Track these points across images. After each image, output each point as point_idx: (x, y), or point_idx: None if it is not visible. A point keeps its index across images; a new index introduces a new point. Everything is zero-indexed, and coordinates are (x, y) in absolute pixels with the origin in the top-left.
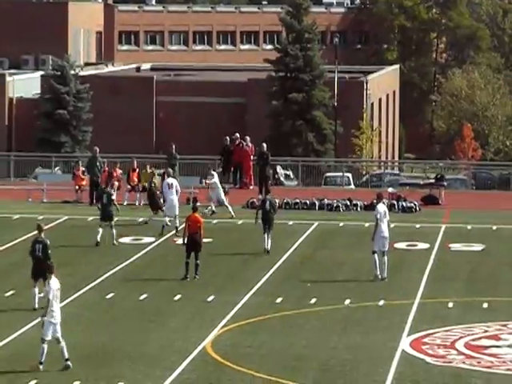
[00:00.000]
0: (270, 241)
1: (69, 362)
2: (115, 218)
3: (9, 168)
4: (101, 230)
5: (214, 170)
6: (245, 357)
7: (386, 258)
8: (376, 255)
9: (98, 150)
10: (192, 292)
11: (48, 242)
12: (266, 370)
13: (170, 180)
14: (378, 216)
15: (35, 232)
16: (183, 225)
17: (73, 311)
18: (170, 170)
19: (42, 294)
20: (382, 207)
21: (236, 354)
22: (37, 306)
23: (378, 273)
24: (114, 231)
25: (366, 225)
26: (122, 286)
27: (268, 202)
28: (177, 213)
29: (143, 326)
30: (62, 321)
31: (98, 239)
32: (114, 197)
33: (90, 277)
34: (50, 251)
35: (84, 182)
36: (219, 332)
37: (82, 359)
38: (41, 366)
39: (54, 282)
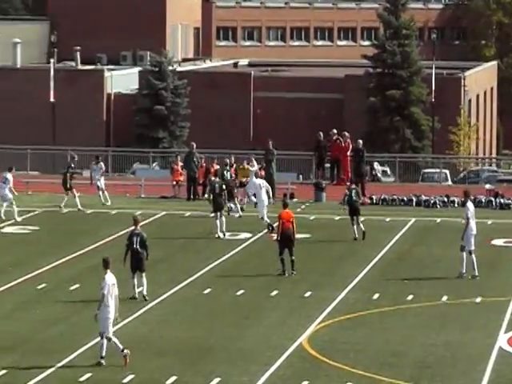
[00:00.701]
0: (360, 226)
1: (103, 361)
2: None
3: (107, 163)
4: (218, 222)
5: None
6: (341, 353)
7: (473, 256)
8: (465, 253)
9: (194, 146)
10: (289, 288)
11: (145, 235)
12: (362, 366)
13: (259, 181)
14: (470, 214)
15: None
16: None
17: (170, 306)
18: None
19: (140, 289)
20: (471, 205)
21: (332, 349)
22: (137, 295)
23: (464, 271)
24: (224, 220)
25: (463, 221)
26: (218, 281)
27: (354, 192)
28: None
29: (240, 322)
30: (159, 316)
31: (218, 232)
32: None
33: (186, 272)
34: (147, 243)
35: (182, 178)
36: (316, 328)
37: (178, 354)
38: (103, 361)
39: (110, 277)
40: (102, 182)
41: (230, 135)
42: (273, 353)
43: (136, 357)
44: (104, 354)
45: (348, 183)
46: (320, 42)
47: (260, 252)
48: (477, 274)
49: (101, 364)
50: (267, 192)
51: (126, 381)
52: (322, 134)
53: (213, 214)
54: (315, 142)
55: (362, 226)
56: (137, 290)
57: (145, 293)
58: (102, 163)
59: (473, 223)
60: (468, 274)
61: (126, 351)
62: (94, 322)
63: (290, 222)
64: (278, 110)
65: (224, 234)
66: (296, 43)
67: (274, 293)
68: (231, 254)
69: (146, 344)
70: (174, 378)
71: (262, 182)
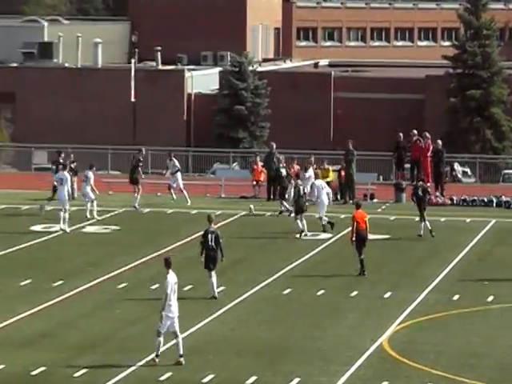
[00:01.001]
0: (427, 223)
1: (182, 359)
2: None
3: (187, 163)
4: (299, 222)
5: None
6: (421, 354)
7: None
8: None
9: (274, 146)
10: (368, 288)
11: (219, 233)
12: (442, 367)
13: (319, 182)
14: None
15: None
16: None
17: (250, 306)
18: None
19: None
20: None
21: (412, 350)
22: (216, 295)
23: None
24: (305, 222)
25: None
26: (298, 281)
27: (421, 189)
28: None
29: (320, 322)
30: (239, 316)
31: (301, 232)
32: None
33: (267, 272)
34: (221, 241)
35: (262, 178)
36: (396, 328)
37: (259, 354)
38: (157, 359)
39: (172, 276)
40: (178, 181)
41: (310, 136)
42: (353, 353)
43: (216, 356)
44: (159, 353)
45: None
46: (400, 43)
47: (340, 252)
48: None
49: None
50: (327, 194)
51: (205, 380)
52: (401, 134)
53: (293, 215)
54: (395, 142)
55: (428, 223)
56: (216, 290)
57: (215, 294)
58: (175, 160)
59: None
60: None
61: (182, 359)
62: None
63: (365, 221)
64: (358, 110)
65: (306, 235)
66: (376, 43)
67: (354, 293)
68: (311, 254)
69: (226, 344)
70: (253, 378)
71: (323, 184)
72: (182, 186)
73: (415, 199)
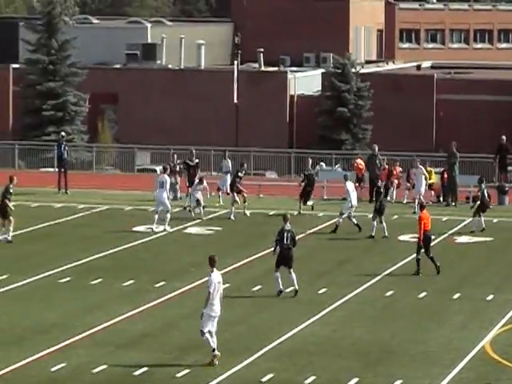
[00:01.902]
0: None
1: (217, 352)
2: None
3: (289, 165)
4: (374, 223)
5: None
6: None
7: None
8: None
9: (376, 148)
10: (471, 291)
11: (294, 231)
12: None
13: (350, 184)
14: None
15: (315, 229)
16: None
17: (353, 307)
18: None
19: (291, 288)
20: None
21: None
22: (282, 289)
23: None
24: (384, 225)
25: None
26: (401, 283)
27: (486, 190)
28: None
29: (422, 325)
30: (342, 317)
31: (373, 233)
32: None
33: (370, 274)
34: (296, 238)
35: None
36: (499, 331)
37: (361, 356)
38: (216, 353)
39: (216, 275)
40: (227, 183)
41: (413, 138)
42: (455, 356)
43: (318, 358)
44: (214, 347)
45: None
46: (504, 45)
47: (442, 254)
48: None
49: (215, 356)
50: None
51: (308, 381)
52: (504, 137)
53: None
54: (497, 144)
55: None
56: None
57: (296, 287)
58: (228, 160)
59: None
60: None
61: (216, 352)
62: (275, 323)
63: (430, 222)
64: (460, 112)
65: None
66: (479, 45)
67: (457, 295)
68: (412, 256)
69: (329, 345)
70: (355, 380)
71: (352, 186)
72: (228, 189)
73: (480, 200)
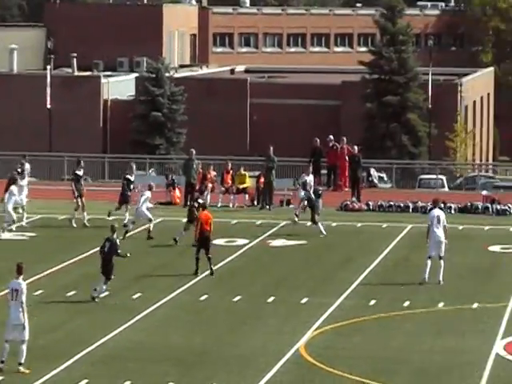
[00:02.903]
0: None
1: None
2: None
3: (103, 169)
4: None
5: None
6: (338, 359)
7: (442, 261)
8: (429, 260)
9: (194, 152)
10: (286, 294)
11: (118, 242)
12: (359, 373)
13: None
14: (430, 222)
15: (131, 233)
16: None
17: (168, 312)
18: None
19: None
20: (436, 212)
21: (329, 356)
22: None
23: (427, 277)
24: None
25: (460, 227)
26: (215, 287)
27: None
28: None
29: (237, 328)
30: (157, 322)
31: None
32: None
33: (183, 278)
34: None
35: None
36: (313, 334)
37: (176, 360)
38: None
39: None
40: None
41: (227, 141)
42: (270, 359)
43: (133, 363)
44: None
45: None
46: (317, 49)
47: (257, 258)
48: (441, 279)
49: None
50: None
51: None
52: (318, 140)
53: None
54: (311, 148)
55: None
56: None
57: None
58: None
59: (438, 230)
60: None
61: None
62: (90, 329)
63: (209, 223)
64: (274, 116)
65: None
66: (293, 49)
67: (271, 299)
68: (228, 259)
69: (143, 350)
70: None
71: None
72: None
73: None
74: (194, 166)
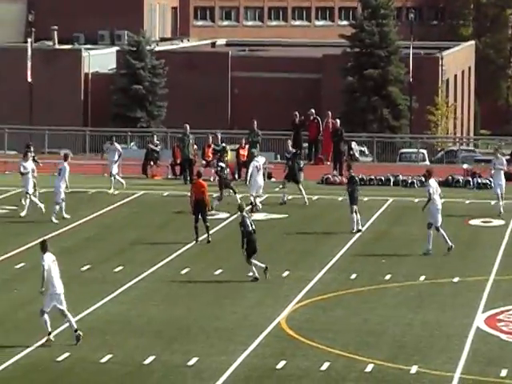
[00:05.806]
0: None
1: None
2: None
3: (84, 143)
4: None
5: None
6: (319, 332)
7: (442, 230)
8: (431, 230)
9: (188, 127)
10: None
11: None
12: (340, 346)
13: (255, 163)
14: (432, 190)
15: (112, 206)
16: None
17: (149, 286)
18: (254, 150)
19: None
20: (433, 182)
21: (310, 329)
22: None
23: (430, 247)
24: None
25: (442, 201)
26: (197, 261)
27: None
28: (260, 192)
29: (218, 302)
30: (138, 295)
31: None
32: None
33: (164, 252)
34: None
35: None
36: (294, 307)
37: (157, 334)
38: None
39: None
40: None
41: (208, 115)
42: (251, 332)
43: (113, 336)
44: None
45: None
46: (298, 22)
47: (238, 232)
48: (450, 244)
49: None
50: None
51: (103, 360)
52: (297, 113)
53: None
54: (291, 121)
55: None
56: None
57: None
58: (116, 144)
59: (437, 199)
60: (444, 248)
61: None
62: (70, 302)
63: (202, 191)
64: (255, 89)
65: None
66: (274, 23)
67: (251, 273)
68: (210, 233)
69: (124, 323)
70: (152, 358)
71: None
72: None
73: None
74: (191, 141)
